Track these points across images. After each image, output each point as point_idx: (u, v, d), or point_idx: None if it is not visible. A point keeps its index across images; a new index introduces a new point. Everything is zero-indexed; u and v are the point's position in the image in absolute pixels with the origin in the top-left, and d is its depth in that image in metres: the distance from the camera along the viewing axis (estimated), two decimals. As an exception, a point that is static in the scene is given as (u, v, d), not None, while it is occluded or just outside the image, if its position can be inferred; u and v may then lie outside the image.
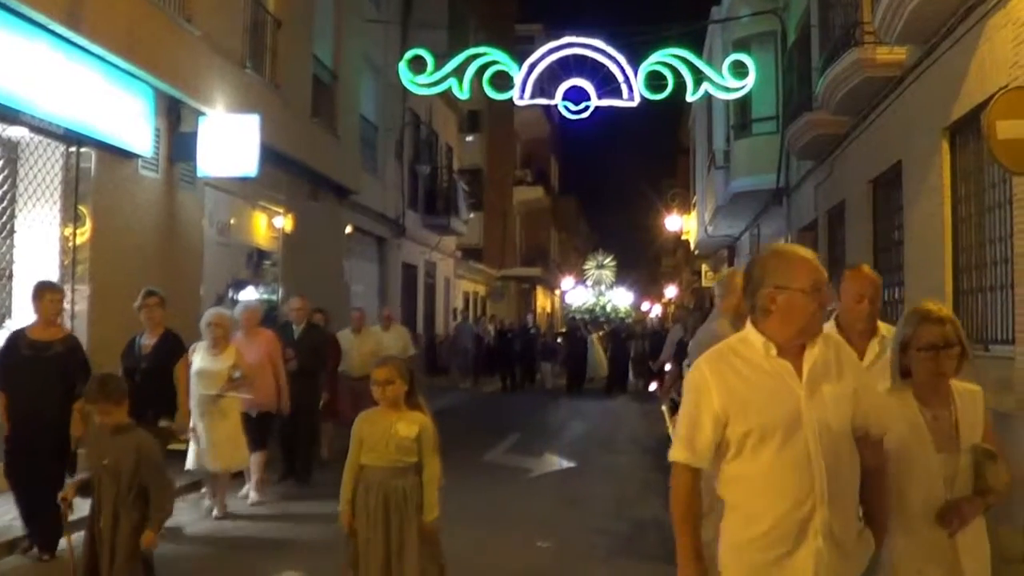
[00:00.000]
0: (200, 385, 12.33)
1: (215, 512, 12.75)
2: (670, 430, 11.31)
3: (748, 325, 4.75)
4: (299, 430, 15.17)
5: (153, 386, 11.28)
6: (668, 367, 19.11)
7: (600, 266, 51.89)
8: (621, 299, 52.52)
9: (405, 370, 7.81)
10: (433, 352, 38.94)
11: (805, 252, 4.72)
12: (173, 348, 11.84)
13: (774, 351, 4.60)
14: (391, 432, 7.65)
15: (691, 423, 4.64)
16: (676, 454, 4.68)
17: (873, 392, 4.88)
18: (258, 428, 13.78)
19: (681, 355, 14.87)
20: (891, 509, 4.99)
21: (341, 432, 16.11)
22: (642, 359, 36.33)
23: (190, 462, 12.51)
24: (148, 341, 11.79)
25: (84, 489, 7.74)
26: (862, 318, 6.79)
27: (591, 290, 51.90)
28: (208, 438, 12.43)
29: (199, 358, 12.44)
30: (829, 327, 6.57)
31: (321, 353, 16.00)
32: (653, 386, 21.50)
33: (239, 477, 13.96)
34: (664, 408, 11.92)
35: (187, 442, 12.35)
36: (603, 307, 49.92)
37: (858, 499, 4.72)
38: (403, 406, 7.76)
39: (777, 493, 4.48)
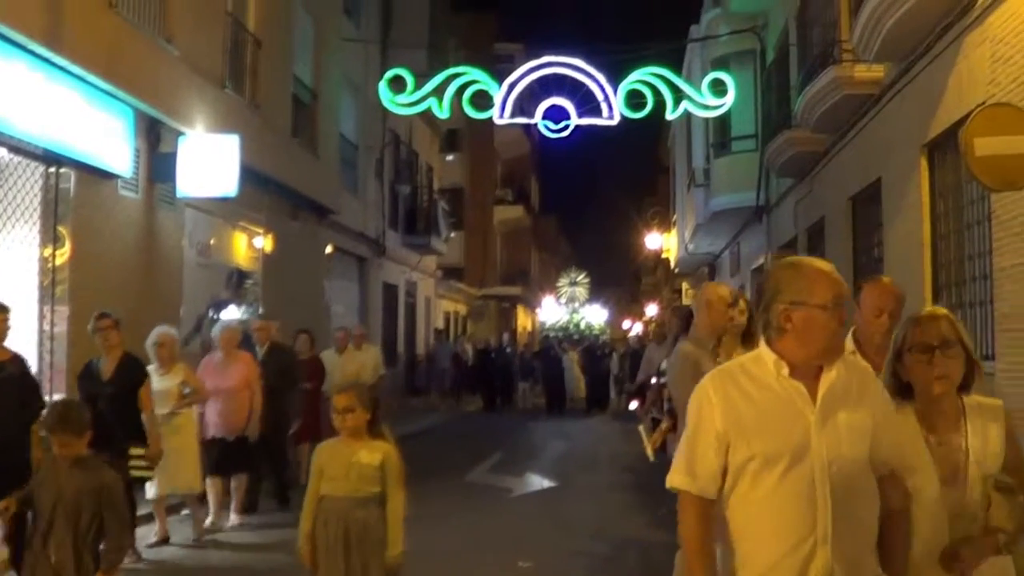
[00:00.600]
0: None
1: (192, 536, 12.58)
2: (648, 450, 11.25)
3: (762, 343, 4.34)
4: (269, 453, 14.85)
5: (118, 413, 10.98)
6: (653, 381, 19.12)
7: (573, 283, 51.34)
8: (595, 316, 51.82)
9: (367, 397, 7.44)
10: (414, 372, 38.81)
11: (823, 264, 4.33)
12: (136, 372, 11.49)
13: (786, 371, 4.17)
14: (352, 460, 7.28)
15: (691, 446, 4.25)
16: (675, 479, 4.29)
17: (899, 426, 4.45)
18: (237, 452, 13.58)
19: (660, 375, 14.89)
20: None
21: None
22: (623, 377, 36.16)
23: (149, 491, 12.18)
24: (107, 366, 11.38)
25: (27, 502, 7.30)
26: (881, 332, 6.38)
27: (565, 307, 51.25)
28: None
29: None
30: (846, 342, 6.33)
31: (288, 374, 15.54)
32: (633, 405, 21.45)
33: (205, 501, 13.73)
34: (641, 428, 11.88)
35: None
36: (577, 324, 49.39)
37: (874, 543, 4.23)
38: (365, 435, 7.38)
39: (775, 530, 4.06)
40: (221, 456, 13.27)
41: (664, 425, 10.85)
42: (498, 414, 36.05)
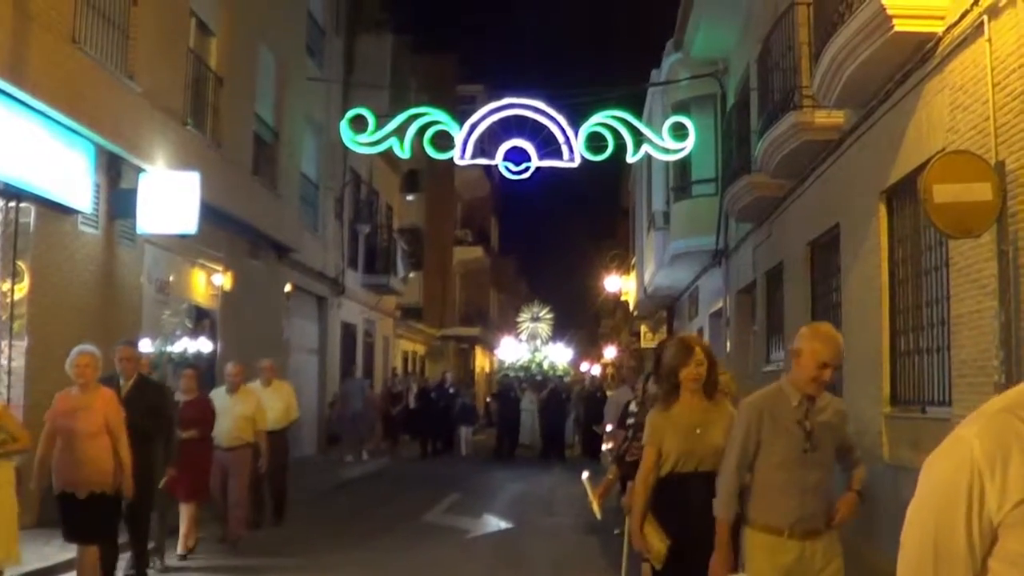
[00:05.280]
0: None
1: None
2: (594, 505, 10.31)
3: None
4: (130, 516, 11.57)
5: None
6: (609, 428, 19.00)
7: (535, 318, 49.24)
8: (559, 355, 49.69)
9: None
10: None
11: None
12: None
13: None
14: None
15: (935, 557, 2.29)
16: None
17: None
18: (91, 514, 10.45)
19: (625, 418, 14.74)
20: None
21: (211, 515, 14.83)
22: (584, 422, 35.10)
23: None
24: None
25: None
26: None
27: (526, 345, 48.94)
28: None
29: None
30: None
31: (160, 415, 12.00)
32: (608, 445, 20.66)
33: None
34: (585, 478, 10.99)
35: None
36: (539, 364, 47.40)
37: None
38: None
39: None
40: (69, 518, 10.49)
41: (611, 475, 10.44)
42: (435, 461, 33.64)
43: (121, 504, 10.90)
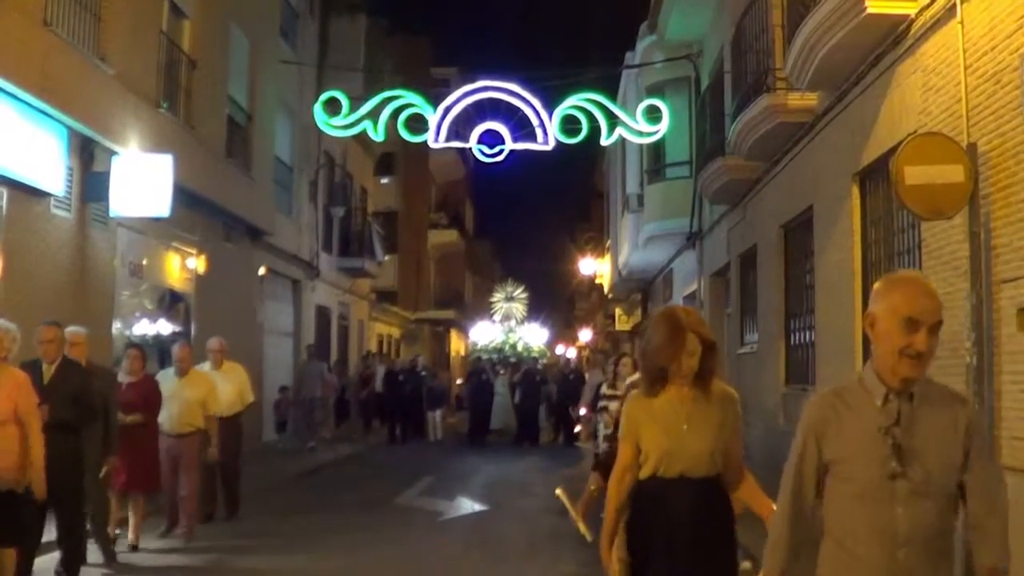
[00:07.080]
0: None
1: None
2: (579, 525, 9.00)
3: None
4: (60, 509, 10.46)
5: None
6: (583, 412, 19.01)
7: (510, 298, 47.26)
8: (535, 336, 47.75)
9: None
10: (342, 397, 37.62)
11: None
12: None
13: None
14: None
15: None
16: None
17: None
18: (3, 514, 8.98)
19: (597, 402, 14.76)
20: None
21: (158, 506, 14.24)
22: (559, 406, 34.73)
23: None
24: None
25: None
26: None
27: (500, 326, 46.82)
28: None
29: None
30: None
31: (85, 401, 10.75)
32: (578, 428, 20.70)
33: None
34: (559, 491, 9.89)
35: None
36: (513, 345, 45.58)
37: None
38: None
39: None
40: None
41: (592, 485, 9.93)
42: (406, 447, 32.67)
43: (36, 504, 9.48)
